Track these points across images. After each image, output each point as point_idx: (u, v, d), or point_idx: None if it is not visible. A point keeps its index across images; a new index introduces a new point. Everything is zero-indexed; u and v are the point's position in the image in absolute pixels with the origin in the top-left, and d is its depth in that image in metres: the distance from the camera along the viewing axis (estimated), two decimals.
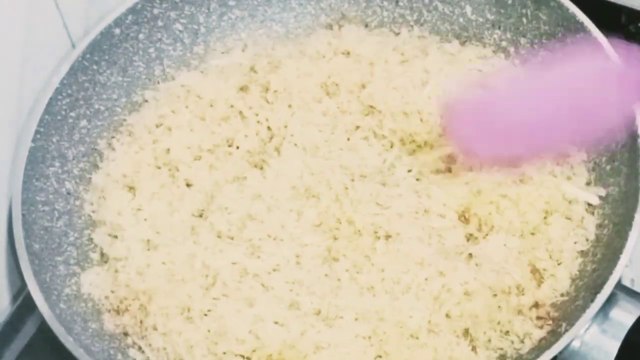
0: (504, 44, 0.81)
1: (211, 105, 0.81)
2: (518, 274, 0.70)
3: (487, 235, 0.71)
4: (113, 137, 0.80)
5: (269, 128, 0.79)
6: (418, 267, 0.70)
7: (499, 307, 0.69)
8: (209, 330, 0.69)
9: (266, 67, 0.82)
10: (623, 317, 0.65)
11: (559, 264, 0.70)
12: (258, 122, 0.79)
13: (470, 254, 0.71)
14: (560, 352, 0.63)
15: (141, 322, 0.71)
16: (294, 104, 0.79)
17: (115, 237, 0.75)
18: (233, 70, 0.83)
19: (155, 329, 0.70)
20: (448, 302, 0.69)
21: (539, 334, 0.67)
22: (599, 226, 0.71)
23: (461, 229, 0.72)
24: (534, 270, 0.70)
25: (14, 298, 0.77)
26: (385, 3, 0.85)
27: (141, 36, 0.81)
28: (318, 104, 0.80)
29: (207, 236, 0.73)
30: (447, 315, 0.68)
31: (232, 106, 0.80)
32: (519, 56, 0.81)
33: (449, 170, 0.75)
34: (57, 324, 0.66)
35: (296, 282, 0.71)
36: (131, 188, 0.77)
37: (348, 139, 0.78)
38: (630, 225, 0.66)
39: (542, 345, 0.66)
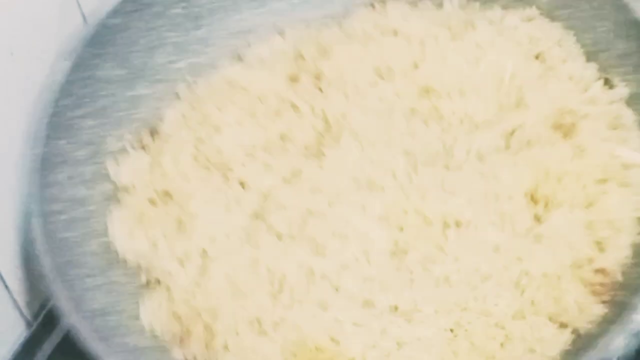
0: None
1: (260, 100, 0.78)
2: (586, 246, 0.68)
3: (551, 211, 0.70)
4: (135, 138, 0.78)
5: (325, 119, 0.76)
6: (494, 254, 0.68)
7: (574, 283, 0.67)
8: (285, 341, 0.66)
9: (314, 54, 0.80)
10: None
11: (621, 233, 0.68)
12: (313, 113, 0.77)
13: (541, 234, 0.69)
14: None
15: (209, 344, 0.68)
16: (348, 91, 0.77)
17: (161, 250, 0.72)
18: (276, 59, 0.81)
19: (226, 349, 0.67)
20: (529, 287, 0.67)
21: (602, 308, 0.66)
22: None
23: (530, 209, 0.70)
24: (597, 241, 0.68)
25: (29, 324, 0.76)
26: None
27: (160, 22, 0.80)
28: (373, 88, 0.78)
29: (267, 238, 0.70)
30: (530, 300, 0.67)
31: (283, 99, 0.78)
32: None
33: (508, 146, 0.73)
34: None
35: (367, 279, 0.68)
36: (173, 193, 0.75)
37: (406, 124, 0.75)
38: None
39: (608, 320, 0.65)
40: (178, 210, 0.74)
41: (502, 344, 0.66)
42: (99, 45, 0.77)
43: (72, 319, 0.65)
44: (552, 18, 0.80)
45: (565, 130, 0.74)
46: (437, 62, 0.78)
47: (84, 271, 0.70)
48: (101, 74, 0.77)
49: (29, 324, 0.76)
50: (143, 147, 0.78)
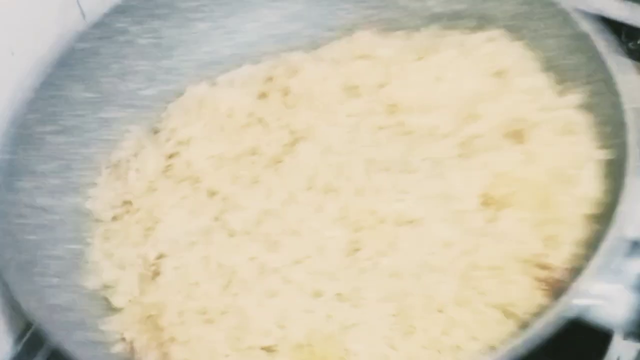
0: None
1: (229, 116, 0.82)
2: (534, 243, 0.70)
3: (502, 211, 0.72)
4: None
5: (292, 132, 0.80)
6: (444, 249, 0.70)
7: (521, 276, 0.69)
8: (230, 328, 0.68)
9: (283, 73, 0.84)
10: (635, 267, 0.65)
11: (569, 230, 0.71)
12: (280, 127, 0.80)
13: (491, 231, 0.71)
14: (572, 311, 0.64)
15: (157, 339, 0.69)
16: (316, 107, 0.81)
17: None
18: (247, 81, 0.85)
19: (173, 340, 0.68)
20: (476, 278, 0.69)
21: (546, 300, 0.68)
22: (604, 189, 0.72)
23: (482, 210, 0.72)
24: (548, 238, 0.70)
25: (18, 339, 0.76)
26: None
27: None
28: (341, 105, 0.81)
29: (220, 236, 0.73)
30: (474, 289, 0.68)
31: (251, 114, 0.81)
32: None
33: (463, 154, 0.76)
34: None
35: (318, 273, 0.70)
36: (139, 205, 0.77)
37: (372, 136, 0.78)
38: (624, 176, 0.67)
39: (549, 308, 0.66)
40: (145, 219, 0.77)
41: (444, 329, 0.67)
42: (69, 67, 0.79)
43: (30, 308, 0.67)
44: (514, 38, 0.83)
45: (516, 137, 0.76)
46: (402, 81, 0.81)
47: (46, 271, 0.72)
48: (71, 95, 0.80)
49: (15, 343, 0.77)
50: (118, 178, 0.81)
